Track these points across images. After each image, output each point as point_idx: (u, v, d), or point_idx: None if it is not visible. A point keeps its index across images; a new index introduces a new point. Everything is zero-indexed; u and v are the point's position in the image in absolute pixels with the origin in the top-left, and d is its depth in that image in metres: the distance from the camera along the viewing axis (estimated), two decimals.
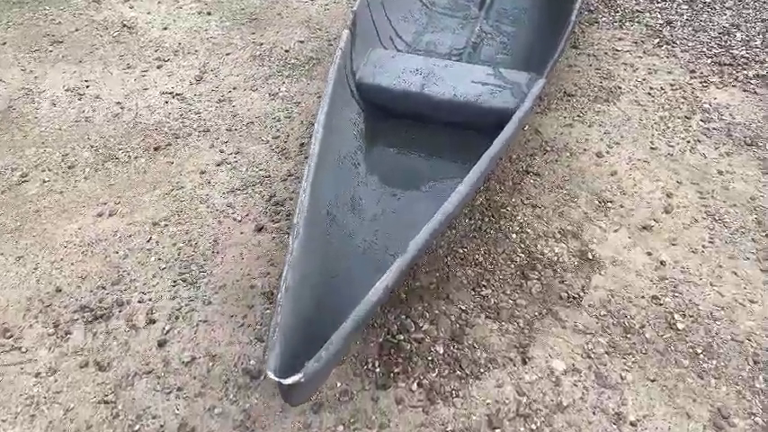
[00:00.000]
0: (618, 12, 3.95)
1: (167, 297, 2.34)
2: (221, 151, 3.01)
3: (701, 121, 3.08)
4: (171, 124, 3.17)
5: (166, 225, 2.62)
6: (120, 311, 2.29)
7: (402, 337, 2.17)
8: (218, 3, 4.17)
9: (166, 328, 2.24)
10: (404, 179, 2.79)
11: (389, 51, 3.20)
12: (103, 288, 2.38)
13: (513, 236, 2.55)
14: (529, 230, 2.57)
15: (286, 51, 3.72)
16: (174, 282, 2.40)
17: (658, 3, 4.00)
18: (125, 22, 3.98)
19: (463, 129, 3.00)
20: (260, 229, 2.61)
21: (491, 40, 3.68)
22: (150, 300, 2.33)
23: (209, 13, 4.07)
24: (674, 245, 2.50)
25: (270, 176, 2.86)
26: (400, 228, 2.56)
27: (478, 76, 3.01)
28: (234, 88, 3.42)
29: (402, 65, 3.07)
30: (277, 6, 4.14)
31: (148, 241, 2.56)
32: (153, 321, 2.26)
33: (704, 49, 3.58)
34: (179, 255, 2.50)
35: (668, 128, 3.05)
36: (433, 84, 2.97)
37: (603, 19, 3.89)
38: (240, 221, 2.65)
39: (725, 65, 3.45)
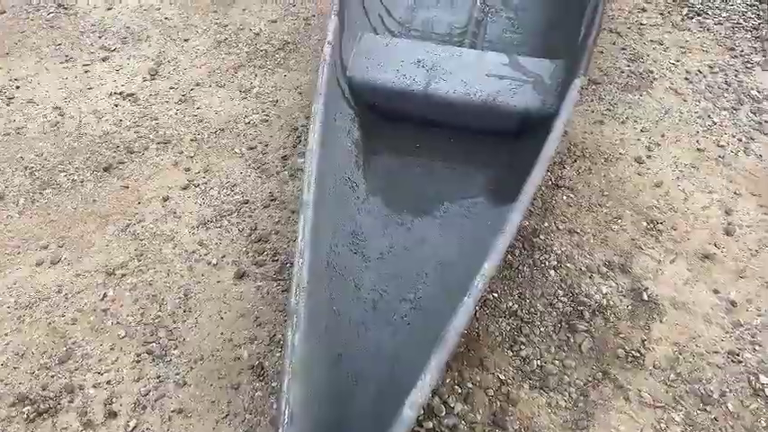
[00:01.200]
0: None
1: (130, 378, 1.85)
2: (187, 169, 2.47)
3: (752, 112, 2.63)
4: (123, 135, 2.60)
5: (124, 275, 2.11)
6: (69, 402, 1.80)
7: (432, 425, 1.73)
8: None
9: (131, 423, 1.75)
10: (412, 202, 2.30)
11: (383, 38, 2.65)
12: (47, 369, 1.87)
13: (552, 273, 2.09)
14: (569, 265, 2.12)
15: (256, 35, 3.13)
16: (138, 355, 1.90)
17: None
18: (60, 2, 3.32)
19: (478, 132, 2.51)
20: (241, 276, 2.11)
21: (497, 15, 3.14)
22: (108, 383, 1.84)
23: None
24: (742, 277, 2.08)
25: (248, 202, 2.34)
26: (413, 267, 2.09)
27: (493, 67, 2.51)
28: (197, 84, 2.85)
29: (401, 55, 2.53)
30: None
31: (103, 298, 2.05)
32: (113, 414, 1.78)
33: (740, 20, 3.10)
34: (142, 316, 2.00)
35: (714, 123, 2.60)
36: (441, 79, 2.46)
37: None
38: (216, 266, 2.14)
39: (767, 40, 2.97)
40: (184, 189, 2.39)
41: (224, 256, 2.17)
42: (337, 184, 2.18)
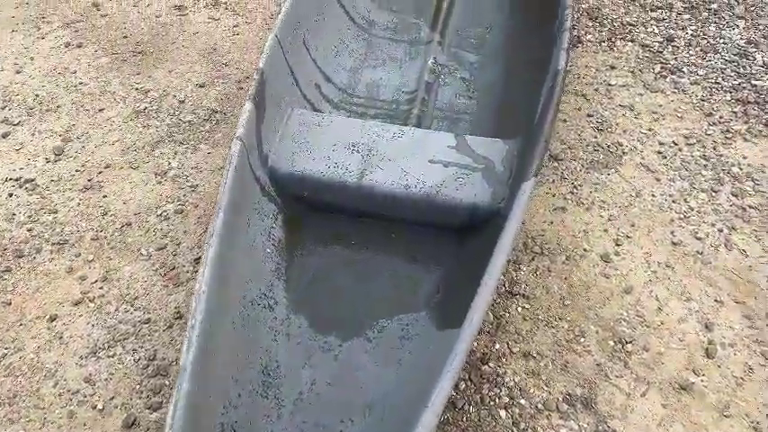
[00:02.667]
0: (605, 25, 3.11)
1: None
2: (82, 278, 2.11)
3: (733, 194, 2.31)
4: (14, 234, 2.24)
5: None
6: None
7: None
8: (92, 29, 3.17)
9: None
10: (343, 320, 1.96)
11: (315, 115, 2.32)
12: None
13: (503, 414, 1.75)
14: (523, 401, 1.78)
15: (180, 102, 2.78)
16: None
17: (653, 11, 3.18)
18: None
19: (422, 225, 2.18)
20: (130, 425, 1.75)
21: (450, 76, 2.81)
22: None
23: (79, 45, 3.07)
24: (726, 416, 1.74)
25: (150, 320, 1.99)
26: (340, 413, 1.75)
27: (438, 151, 2.18)
28: (107, 166, 2.49)
29: (334, 137, 2.21)
30: (171, 31, 3.16)
31: None
32: None
33: (719, 79, 2.79)
34: None
35: (691, 209, 2.27)
36: (378, 167, 2.12)
37: (589, 37, 3.05)
38: (102, 411, 1.79)
39: (749, 103, 2.67)
40: (77, 305, 2.03)
41: (113, 397, 1.81)
42: (247, 308, 1.82)
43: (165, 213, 2.32)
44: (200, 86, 2.87)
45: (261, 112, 2.15)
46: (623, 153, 2.49)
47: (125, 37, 3.14)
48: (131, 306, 2.04)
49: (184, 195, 2.39)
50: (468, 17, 3.19)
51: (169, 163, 2.52)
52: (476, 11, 3.22)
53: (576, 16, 3.01)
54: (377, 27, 3.07)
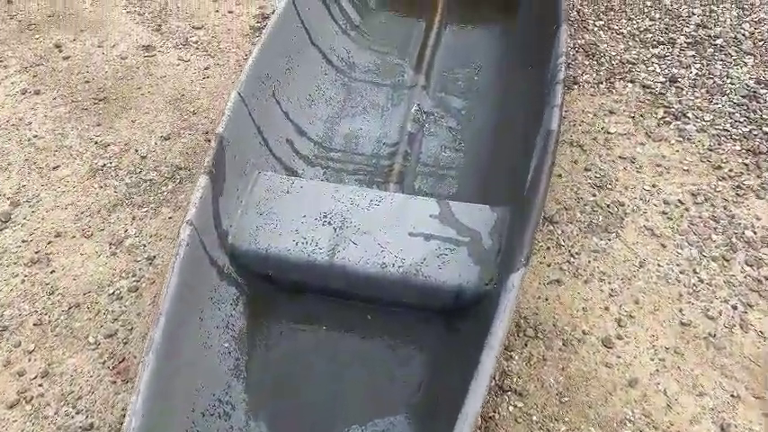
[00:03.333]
0: (603, 64, 2.88)
1: None
2: (20, 373, 1.88)
3: (747, 264, 2.08)
4: None
5: None
6: None
7: None
8: (52, 74, 2.94)
9: None
10: (310, 424, 1.72)
11: (284, 179, 2.10)
12: None
13: None
14: None
15: (142, 158, 2.55)
16: None
17: (654, 47, 2.95)
18: None
19: (401, 307, 1.95)
20: None
21: (435, 125, 2.58)
22: None
23: (37, 92, 2.85)
24: None
25: (93, 426, 1.75)
26: None
27: (418, 221, 1.95)
28: (57, 234, 2.26)
29: (303, 205, 1.99)
30: (137, 75, 2.94)
31: None
32: None
33: (728, 126, 2.56)
34: None
35: (701, 281, 2.04)
36: (351, 242, 1.90)
37: (586, 77, 2.82)
38: None
39: (761, 153, 2.44)
40: (11, 408, 1.80)
41: None
42: (197, 423, 1.59)
43: (118, 292, 2.09)
44: (165, 139, 2.64)
45: (219, 183, 1.92)
46: (625, 214, 2.26)
47: (87, 82, 2.92)
48: (73, 408, 1.80)
49: (140, 270, 2.16)
50: (456, 56, 2.97)
51: (126, 230, 2.28)
52: (463, 49, 3.00)
53: (569, 63, 2.78)
54: (357, 69, 2.85)
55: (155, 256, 2.20)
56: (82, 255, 2.22)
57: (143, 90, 2.89)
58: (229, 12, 3.33)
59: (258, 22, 3.25)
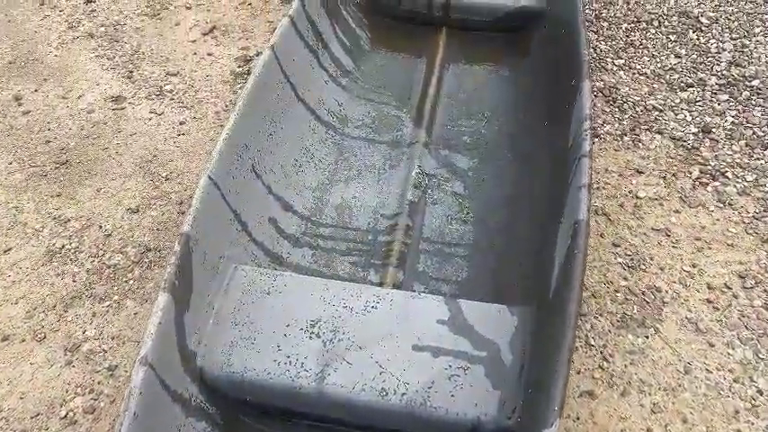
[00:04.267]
0: (625, 111, 2.56)
1: None
2: None
3: None
4: None
5: None
6: None
7: None
8: (9, 132, 2.62)
9: None
10: None
11: (264, 274, 1.78)
12: None
13: None
14: None
15: (107, 236, 2.23)
16: None
17: (682, 91, 2.63)
18: None
19: None
20: None
21: (439, 191, 2.27)
22: None
23: None
24: None
25: None
26: None
27: (424, 330, 1.66)
28: (5, 338, 1.95)
29: (286, 310, 1.70)
30: (104, 132, 2.61)
31: None
32: None
33: None
34: None
35: (760, 392, 1.71)
36: (344, 361, 1.59)
37: (607, 127, 2.49)
38: None
39: None
40: None
41: None
42: None
43: (72, 414, 1.77)
44: (133, 212, 2.31)
45: (184, 296, 1.60)
46: (663, 303, 1.94)
47: (48, 142, 2.60)
48: None
49: (99, 383, 1.84)
50: (460, 104, 2.65)
51: (84, 331, 1.96)
52: (468, 95, 2.68)
53: (593, 126, 2.46)
54: (350, 124, 2.53)
55: (116, 366, 1.88)
56: (32, 364, 1.89)
57: (110, 151, 2.56)
58: (208, 54, 3.01)
59: (240, 66, 2.93)
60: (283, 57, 2.30)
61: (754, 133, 2.45)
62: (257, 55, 2.89)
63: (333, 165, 2.37)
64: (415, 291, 1.98)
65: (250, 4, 3.32)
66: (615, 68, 2.79)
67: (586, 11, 3.09)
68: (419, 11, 2.93)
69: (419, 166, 2.34)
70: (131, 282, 2.10)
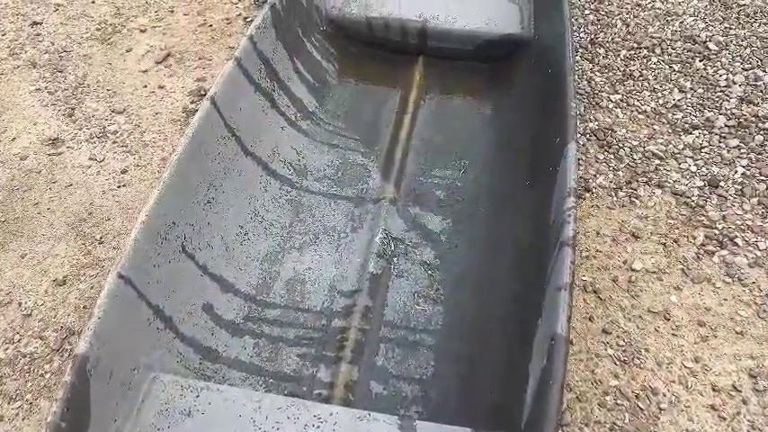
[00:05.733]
0: (622, 158, 2.26)
1: None
2: None
3: None
4: None
5: None
6: None
7: None
8: None
9: None
10: None
11: (186, 387, 1.52)
12: None
13: None
14: None
15: (26, 317, 1.96)
16: None
17: (686, 133, 2.32)
18: None
19: None
20: None
21: (406, 260, 1.99)
22: None
23: None
24: None
25: None
26: None
27: None
28: None
29: None
30: (37, 183, 2.33)
31: None
32: None
33: None
34: None
35: None
36: None
37: (600, 179, 2.19)
38: None
39: None
40: None
41: None
42: None
43: None
44: (60, 284, 2.04)
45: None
46: (660, 410, 1.65)
47: None
48: None
49: None
50: (436, 148, 2.34)
51: None
52: (445, 139, 2.38)
53: (577, 187, 2.15)
54: (310, 175, 2.23)
55: None
56: None
57: (41, 207, 2.28)
58: (160, 87, 2.71)
59: (193, 102, 2.63)
60: (227, 107, 2.00)
61: (767, 188, 2.13)
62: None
63: (287, 228, 2.08)
64: (370, 391, 1.70)
65: (211, 26, 3.01)
66: (611, 105, 2.48)
67: (581, 34, 2.77)
68: (392, 38, 2.62)
69: (385, 230, 2.04)
70: (48, 375, 1.83)
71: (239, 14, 3.09)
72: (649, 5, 2.91)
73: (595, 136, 2.37)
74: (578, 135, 2.16)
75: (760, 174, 2.18)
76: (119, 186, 2.34)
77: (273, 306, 1.89)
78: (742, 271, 1.94)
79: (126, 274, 1.52)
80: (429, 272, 1.98)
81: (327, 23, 2.64)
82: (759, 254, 1.97)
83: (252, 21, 2.27)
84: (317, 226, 2.10)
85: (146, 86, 2.73)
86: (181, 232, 1.76)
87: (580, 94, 2.51)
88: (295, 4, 2.46)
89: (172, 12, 3.12)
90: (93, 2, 3.20)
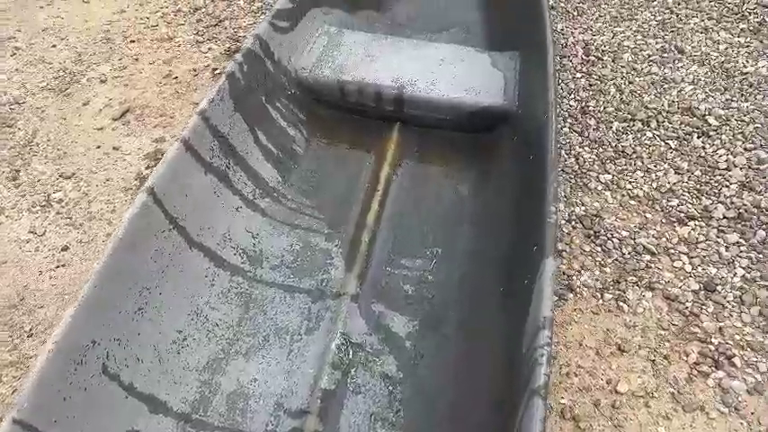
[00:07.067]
0: (609, 252, 2.05)
1: None
2: None
3: None
4: None
5: None
6: None
7: None
8: None
9: None
10: None
11: None
12: None
13: None
14: None
15: None
16: None
17: (682, 224, 2.12)
18: None
19: None
20: None
21: (365, 371, 1.79)
22: None
23: None
24: None
25: None
26: None
27: None
28: None
29: None
30: None
31: None
32: None
33: None
34: None
35: None
36: None
37: (584, 276, 1.98)
38: None
39: None
40: None
41: None
42: None
43: None
44: None
45: None
46: None
47: None
48: None
49: None
50: (407, 232, 2.14)
51: None
52: (420, 218, 2.17)
53: (557, 295, 1.94)
54: (265, 264, 2.02)
55: None
56: None
57: None
58: (114, 148, 2.50)
59: (149, 167, 2.42)
60: (169, 197, 1.79)
61: None
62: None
63: (233, 328, 1.86)
64: None
65: (176, 78, 2.80)
66: (600, 187, 2.27)
67: (571, 102, 2.57)
68: (367, 103, 2.41)
69: (343, 334, 1.83)
70: None
71: (208, 65, 2.88)
72: (645, 70, 2.70)
73: (582, 223, 2.15)
74: (558, 247, 1.95)
75: (761, 278, 1.97)
76: (57, 266, 2.12)
77: (210, 428, 1.66)
78: (739, 399, 1.72)
79: (24, 418, 1.30)
80: (390, 387, 1.76)
81: (296, 86, 2.43)
82: (759, 378, 1.75)
83: (219, 75, 2.05)
84: (268, 326, 1.89)
85: (99, 147, 2.52)
86: (102, 351, 1.54)
87: (567, 173, 2.31)
88: (258, 69, 2.26)
89: (137, 60, 2.92)
90: (53, 46, 3.00)
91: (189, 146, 1.90)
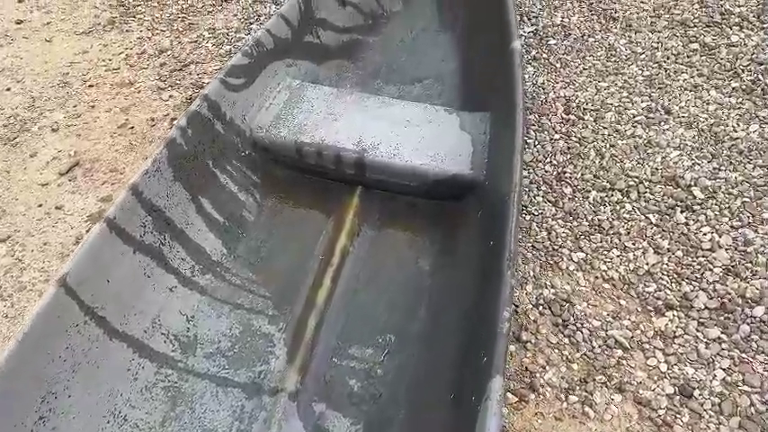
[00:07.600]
0: (579, 346, 1.88)
1: None
2: None
3: None
4: None
5: None
6: None
7: None
8: None
9: None
10: None
11: None
12: None
13: None
14: None
15: None
16: None
17: (659, 314, 1.93)
18: None
19: None
20: None
21: None
22: None
23: None
24: None
25: None
26: None
27: None
28: None
29: None
30: None
31: None
32: None
33: None
34: None
35: None
36: None
37: (549, 374, 1.79)
38: None
39: None
40: None
41: None
42: None
43: None
44: None
45: None
46: None
47: None
48: None
49: None
50: (359, 315, 1.96)
51: None
52: (374, 298, 2.00)
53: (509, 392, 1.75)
54: (199, 350, 1.84)
55: None
56: None
57: None
58: (57, 207, 2.33)
59: (89, 230, 2.23)
60: (87, 286, 1.62)
61: (751, 405, 1.72)
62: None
63: (156, 429, 1.67)
64: None
65: (132, 128, 2.64)
66: (572, 267, 2.08)
67: (546, 166, 2.39)
68: (327, 166, 2.25)
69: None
70: None
71: (167, 114, 2.72)
72: (629, 132, 2.53)
73: (550, 309, 1.97)
74: (507, 365, 1.77)
75: (743, 382, 1.77)
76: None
77: None
78: None
79: None
80: None
81: (251, 146, 2.27)
82: None
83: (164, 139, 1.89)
84: (194, 427, 1.70)
85: (41, 205, 2.35)
86: None
87: (537, 249, 2.12)
88: (206, 132, 2.10)
89: (93, 107, 2.76)
90: (7, 89, 2.84)
91: (114, 225, 1.73)
